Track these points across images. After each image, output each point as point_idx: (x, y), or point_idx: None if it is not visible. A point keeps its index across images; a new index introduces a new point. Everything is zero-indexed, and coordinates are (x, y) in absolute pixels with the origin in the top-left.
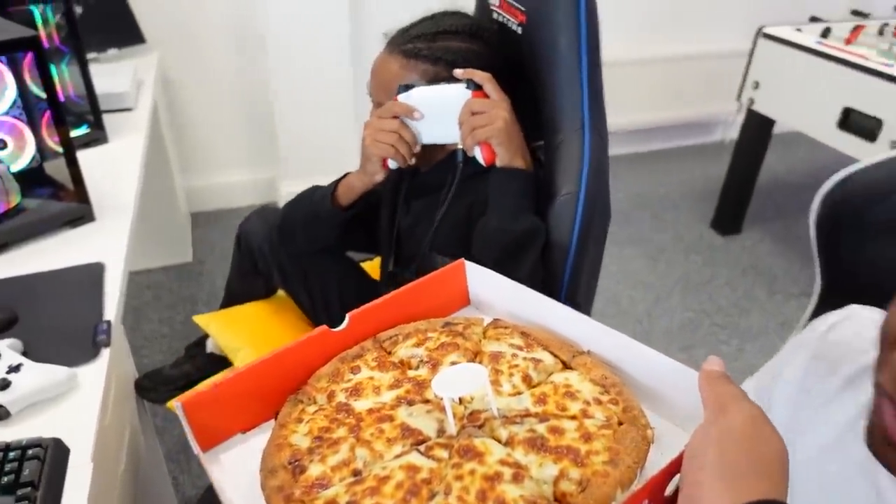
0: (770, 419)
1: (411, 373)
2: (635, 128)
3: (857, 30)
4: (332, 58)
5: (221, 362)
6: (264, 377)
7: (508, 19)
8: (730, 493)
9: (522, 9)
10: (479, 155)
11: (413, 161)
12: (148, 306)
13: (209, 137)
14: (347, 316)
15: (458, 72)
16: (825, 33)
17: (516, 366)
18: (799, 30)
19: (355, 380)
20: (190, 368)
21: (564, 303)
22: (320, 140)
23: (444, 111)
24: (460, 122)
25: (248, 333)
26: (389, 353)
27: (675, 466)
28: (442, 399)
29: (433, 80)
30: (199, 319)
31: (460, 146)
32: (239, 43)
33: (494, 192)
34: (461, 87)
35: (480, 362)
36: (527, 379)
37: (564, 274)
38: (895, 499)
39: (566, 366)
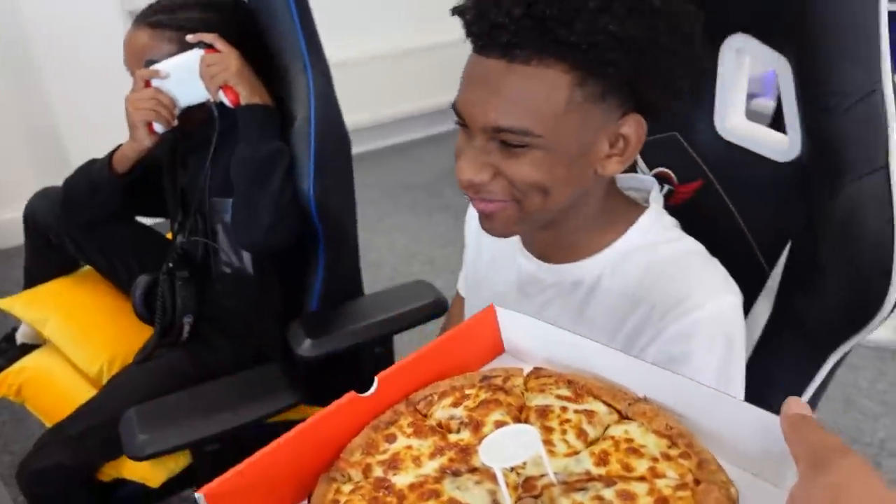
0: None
1: (452, 437)
2: (435, 110)
3: None
4: (113, 63)
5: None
6: (292, 455)
7: None
8: None
9: None
10: (225, 99)
11: (176, 122)
12: None
13: None
14: (376, 379)
15: (189, 37)
16: None
17: (568, 420)
18: None
19: (392, 450)
20: (2, 362)
21: (318, 215)
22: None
23: (188, 74)
24: (201, 76)
25: (55, 304)
26: (425, 415)
27: None
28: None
29: (178, 45)
30: (1, 303)
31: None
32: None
33: (242, 127)
34: (195, 50)
35: (527, 419)
36: (582, 435)
37: (310, 186)
38: (520, 259)
39: (622, 416)
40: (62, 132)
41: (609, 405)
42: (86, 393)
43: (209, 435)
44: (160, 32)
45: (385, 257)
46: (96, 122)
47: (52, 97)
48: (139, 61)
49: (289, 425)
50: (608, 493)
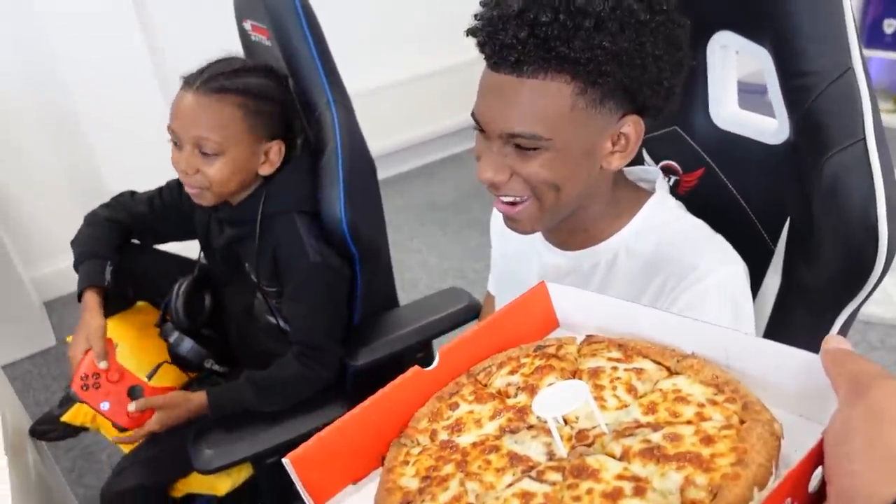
0: None
1: (510, 401)
2: (454, 130)
3: None
4: (146, 118)
5: None
6: (365, 425)
7: (261, 38)
8: (891, 480)
9: (263, 26)
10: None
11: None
12: (21, 395)
13: (43, 223)
14: (437, 353)
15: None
16: None
17: (618, 378)
18: None
19: (455, 416)
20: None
21: (352, 238)
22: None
23: None
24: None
25: (118, 335)
26: (485, 385)
27: (813, 458)
28: (546, 422)
29: (243, 110)
30: (70, 338)
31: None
32: (48, 119)
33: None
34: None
35: (580, 380)
36: (632, 390)
37: (342, 212)
38: (541, 250)
39: (671, 372)
40: (105, 185)
41: (658, 363)
42: None
43: (269, 447)
44: (223, 96)
45: (419, 276)
46: (135, 171)
47: (98, 161)
48: (196, 125)
49: None
50: (656, 437)
